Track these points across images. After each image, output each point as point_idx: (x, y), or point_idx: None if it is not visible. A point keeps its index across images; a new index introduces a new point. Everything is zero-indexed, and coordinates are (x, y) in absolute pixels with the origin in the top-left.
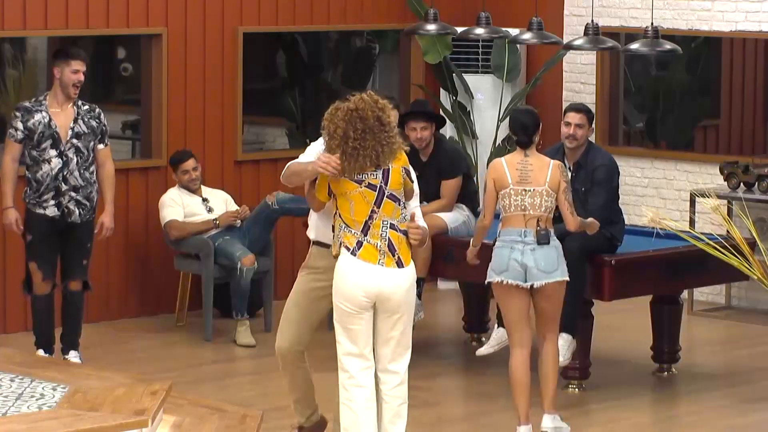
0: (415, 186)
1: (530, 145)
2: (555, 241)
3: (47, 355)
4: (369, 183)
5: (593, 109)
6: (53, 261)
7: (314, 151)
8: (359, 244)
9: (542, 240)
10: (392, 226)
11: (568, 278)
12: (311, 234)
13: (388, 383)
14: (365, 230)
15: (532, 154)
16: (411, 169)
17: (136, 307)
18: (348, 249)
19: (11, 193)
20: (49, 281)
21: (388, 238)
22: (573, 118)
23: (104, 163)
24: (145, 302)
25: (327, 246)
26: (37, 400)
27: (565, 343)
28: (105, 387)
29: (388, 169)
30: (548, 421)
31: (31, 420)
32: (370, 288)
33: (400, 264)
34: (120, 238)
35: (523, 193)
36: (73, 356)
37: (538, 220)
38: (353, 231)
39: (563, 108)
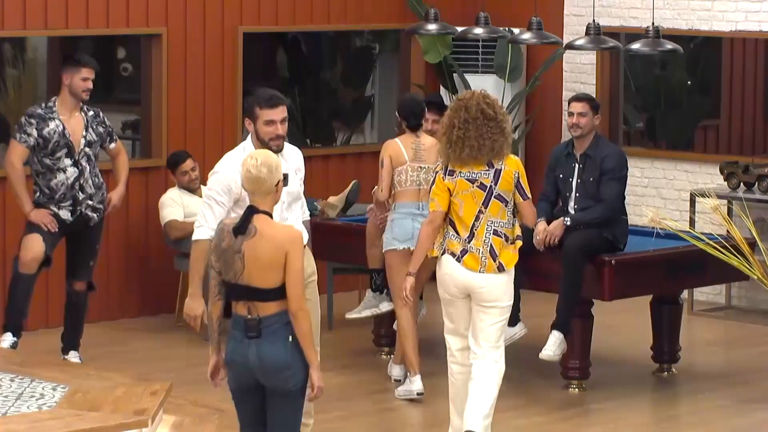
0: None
1: (420, 128)
2: None
3: (15, 339)
4: (481, 183)
5: None
6: (54, 244)
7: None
8: (463, 252)
9: None
10: (495, 232)
11: None
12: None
13: (473, 364)
14: (471, 236)
15: (421, 135)
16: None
17: (136, 307)
18: (453, 256)
19: (27, 195)
20: (38, 259)
21: (491, 243)
22: (575, 107)
23: (119, 153)
24: (145, 302)
25: None
26: (37, 400)
27: (556, 341)
28: (105, 387)
29: (500, 169)
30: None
31: (31, 420)
32: (459, 282)
33: (501, 269)
34: (120, 238)
35: (419, 169)
36: (73, 356)
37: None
38: (459, 238)
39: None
